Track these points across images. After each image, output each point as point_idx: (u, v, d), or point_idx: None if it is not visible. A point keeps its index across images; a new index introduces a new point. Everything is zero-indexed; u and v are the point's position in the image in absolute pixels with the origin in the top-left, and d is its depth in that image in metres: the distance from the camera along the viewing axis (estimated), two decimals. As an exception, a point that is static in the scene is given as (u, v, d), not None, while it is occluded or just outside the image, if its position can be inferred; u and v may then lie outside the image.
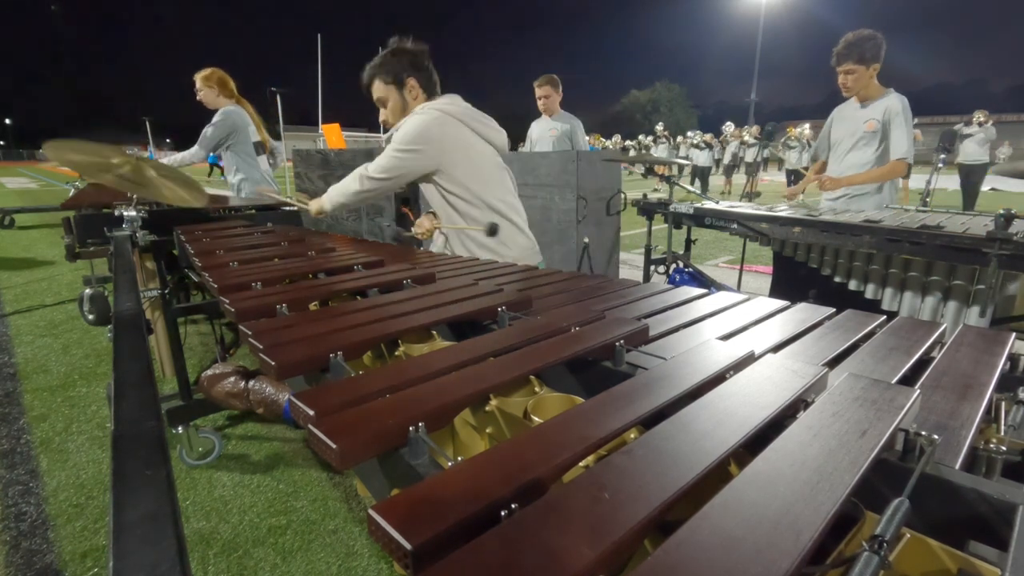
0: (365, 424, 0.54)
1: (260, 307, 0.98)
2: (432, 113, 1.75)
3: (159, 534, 0.39)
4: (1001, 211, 1.77)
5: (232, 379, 2.07)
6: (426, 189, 1.87)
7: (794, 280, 2.77)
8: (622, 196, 3.50)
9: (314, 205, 1.97)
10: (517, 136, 4.33)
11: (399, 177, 1.78)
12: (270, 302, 0.99)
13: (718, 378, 0.64)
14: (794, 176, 11.75)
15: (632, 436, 0.56)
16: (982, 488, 0.46)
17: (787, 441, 0.48)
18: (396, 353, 0.88)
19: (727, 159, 14.49)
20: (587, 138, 4.24)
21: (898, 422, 0.51)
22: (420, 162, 1.76)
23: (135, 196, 2.01)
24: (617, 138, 24.18)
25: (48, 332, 3.55)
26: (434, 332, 0.94)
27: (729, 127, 14.66)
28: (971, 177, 9.10)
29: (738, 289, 3.17)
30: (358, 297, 1.14)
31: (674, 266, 3.29)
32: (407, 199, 4.28)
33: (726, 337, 0.88)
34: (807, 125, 11.94)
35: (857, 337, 0.88)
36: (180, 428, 2.07)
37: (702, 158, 13.89)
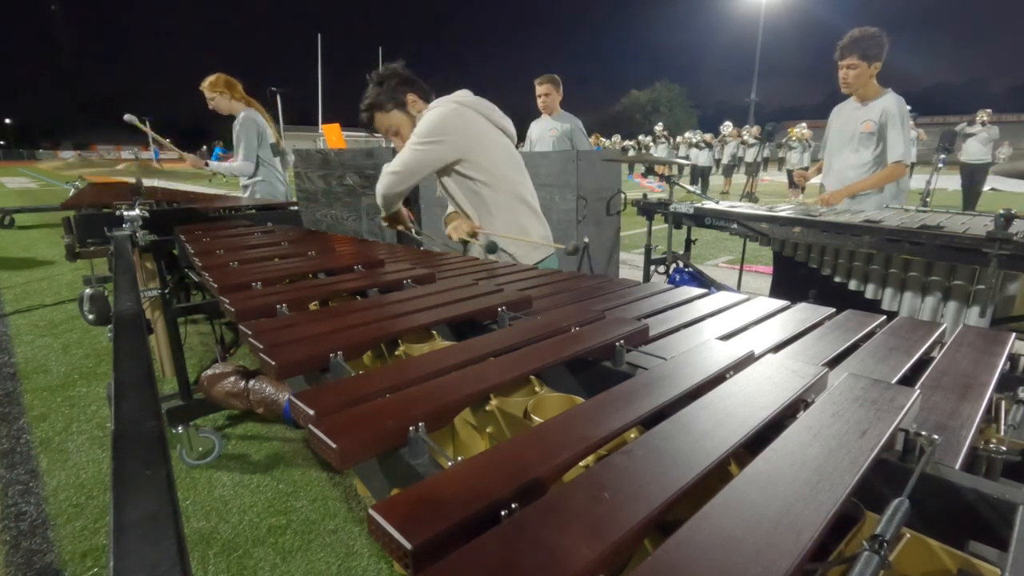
0: (365, 424, 0.54)
1: (260, 307, 0.99)
2: (449, 105, 1.75)
3: (159, 534, 0.39)
4: (1001, 211, 1.77)
5: (232, 379, 2.07)
6: (448, 183, 1.86)
7: (794, 280, 2.77)
8: (622, 196, 3.50)
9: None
10: (517, 136, 4.33)
11: (420, 170, 1.78)
12: (270, 302, 0.99)
13: (718, 378, 0.64)
14: (794, 176, 11.74)
15: (632, 436, 0.56)
16: (982, 488, 0.46)
17: (787, 441, 0.48)
18: (396, 353, 0.88)
19: (726, 159, 14.49)
20: (589, 139, 4.24)
21: (898, 422, 0.51)
22: (443, 153, 1.75)
23: (135, 197, 2.01)
24: (617, 138, 24.18)
25: (48, 332, 3.55)
26: (434, 332, 0.94)
27: (727, 127, 14.66)
28: (974, 176, 9.09)
29: (738, 289, 3.17)
30: (358, 297, 1.14)
31: (674, 266, 3.29)
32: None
33: (726, 337, 0.88)
34: (804, 124, 11.94)
35: (857, 337, 0.88)
36: (180, 428, 2.07)
37: (702, 158, 13.90)
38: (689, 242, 3.35)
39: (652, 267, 3.30)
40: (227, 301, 1.00)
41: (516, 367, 0.69)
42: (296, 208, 3.46)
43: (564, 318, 0.88)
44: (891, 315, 1.00)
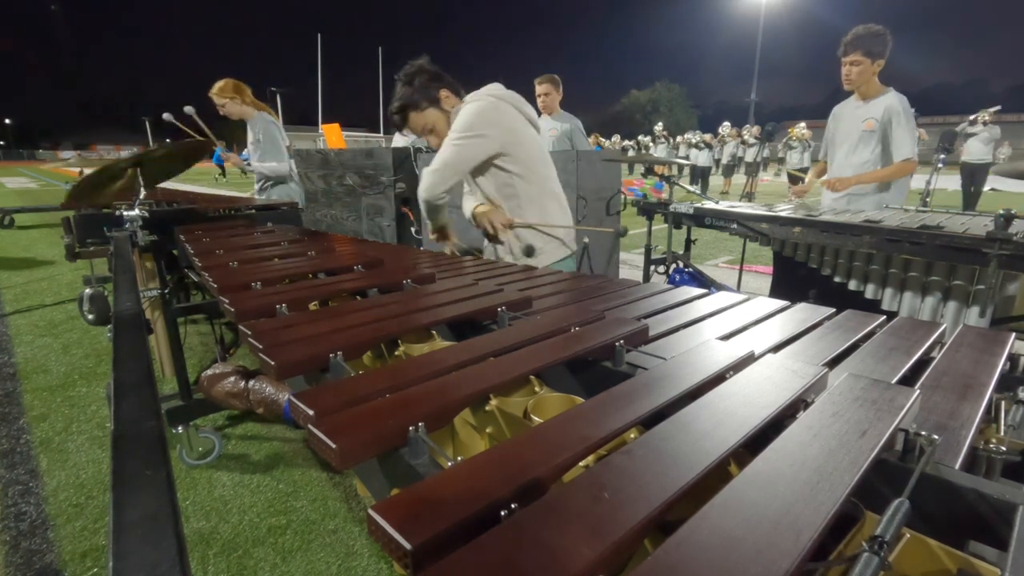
0: (365, 424, 0.54)
1: (260, 307, 0.99)
2: (486, 99, 1.74)
3: (159, 534, 0.39)
4: (1001, 211, 1.77)
5: (232, 379, 2.07)
6: (481, 178, 1.84)
7: (794, 280, 2.77)
8: (622, 196, 3.50)
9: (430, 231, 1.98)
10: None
11: (462, 166, 1.75)
12: (270, 302, 0.99)
13: (718, 378, 0.64)
14: (795, 176, 11.73)
15: (632, 436, 0.56)
16: (982, 488, 0.46)
17: (787, 441, 0.48)
18: (396, 353, 0.88)
19: (725, 159, 14.50)
20: (588, 139, 4.24)
21: (898, 422, 0.51)
22: (485, 147, 1.73)
23: (135, 197, 2.01)
24: (616, 138, 24.18)
25: (48, 332, 3.55)
26: (434, 332, 0.94)
27: (726, 127, 14.66)
28: (975, 176, 9.08)
29: (738, 289, 3.17)
30: (358, 297, 1.14)
31: (674, 266, 3.29)
32: (407, 199, 4.28)
33: (726, 337, 0.88)
34: (803, 124, 11.93)
35: (857, 337, 0.88)
36: (180, 428, 2.07)
37: (702, 158, 13.90)
38: (689, 242, 3.35)
39: (652, 267, 3.30)
40: (227, 301, 1.00)
41: (516, 367, 0.69)
42: (299, 208, 3.46)
43: (564, 318, 0.88)
44: (891, 315, 1.00)
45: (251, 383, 2.07)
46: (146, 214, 2.01)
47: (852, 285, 2.25)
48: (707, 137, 15.07)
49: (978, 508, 0.45)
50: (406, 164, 4.21)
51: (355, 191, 4.58)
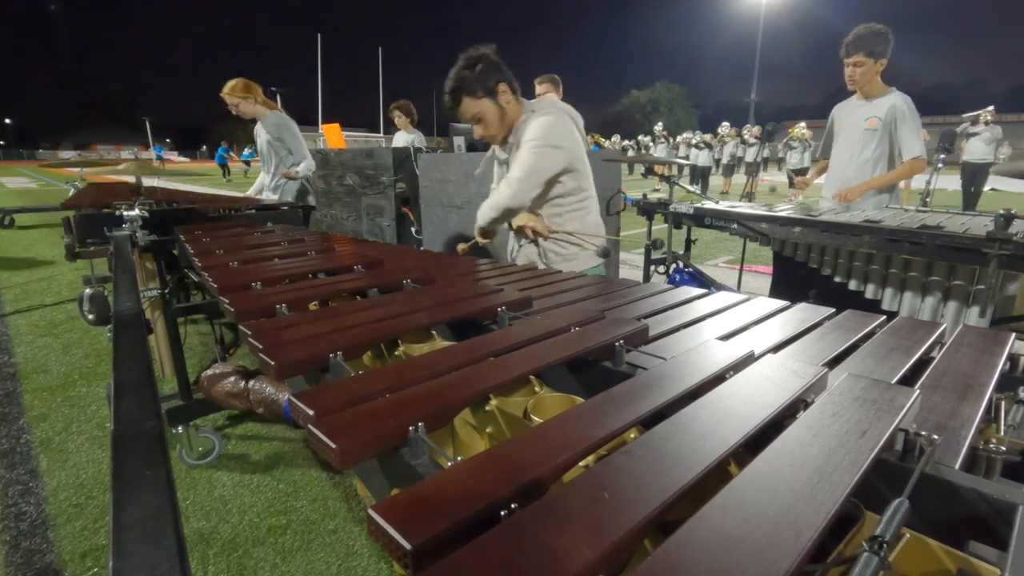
0: (365, 424, 0.54)
1: (260, 307, 0.99)
2: (559, 113, 1.74)
3: (159, 534, 0.39)
4: (1001, 211, 1.77)
5: (232, 379, 2.07)
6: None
7: (794, 280, 2.77)
8: (622, 196, 3.50)
9: (476, 232, 1.91)
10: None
11: (544, 174, 1.73)
12: (270, 302, 0.99)
13: (718, 378, 0.64)
14: (798, 174, 11.75)
15: (632, 436, 0.56)
16: (982, 488, 0.46)
17: (787, 441, 0.48)
18: (396, 353, 0.88)
19: (725, 159, 14.49)
20: (587, 138, 4.24)
21: (898, 422, 0.51)
22: (559, 160, 1.73)
23: (135, 197, 2.01)
24: (616, 138, 24.17)
25: (48, 332, 3.55)
26: (434, 332, 0.94)
27: (725, 127, 14.66)
28: (976, 176, 9.08)
29: (738, 289, 3.17)
30: (358, 297, 1.14)
31: (674, 266, 3.29)
32: (407, 199, 4.28)
33: (726, 337, 0.88)
34: (803, 124, 11.94)
35: (857, 337, 0.88)
36: (180, 428, 2.07)
37: (702, 158, 13.90)
38: (689, 242, 3.35)
39: (652, 267, 3.30)
40: (227, 301, 1.00)
41: (516, 367, 0.69)
42: (312, 207, 3.47)
43: (564, 318, 0.88)
44: (891, 315, 1.00)
45: (251, 383, 2.07)
46: (146, 214, 2.01)
47: (852, 285, 2.25)
48: (707, 137, 15.07)
49: (978, 508, 0.45)
50: (406, 164, 4.21)
51: (355, 191, 4.58)
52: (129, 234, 1.87)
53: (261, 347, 0.76)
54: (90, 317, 1.82)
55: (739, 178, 14.80)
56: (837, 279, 2.31)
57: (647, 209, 3.23)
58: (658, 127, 16.14)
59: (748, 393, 0.58)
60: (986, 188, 10.02)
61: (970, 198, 9.13)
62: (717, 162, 15.30)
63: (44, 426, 2.36)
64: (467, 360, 0.72)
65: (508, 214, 1.78)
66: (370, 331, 0.84)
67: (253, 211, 2.56)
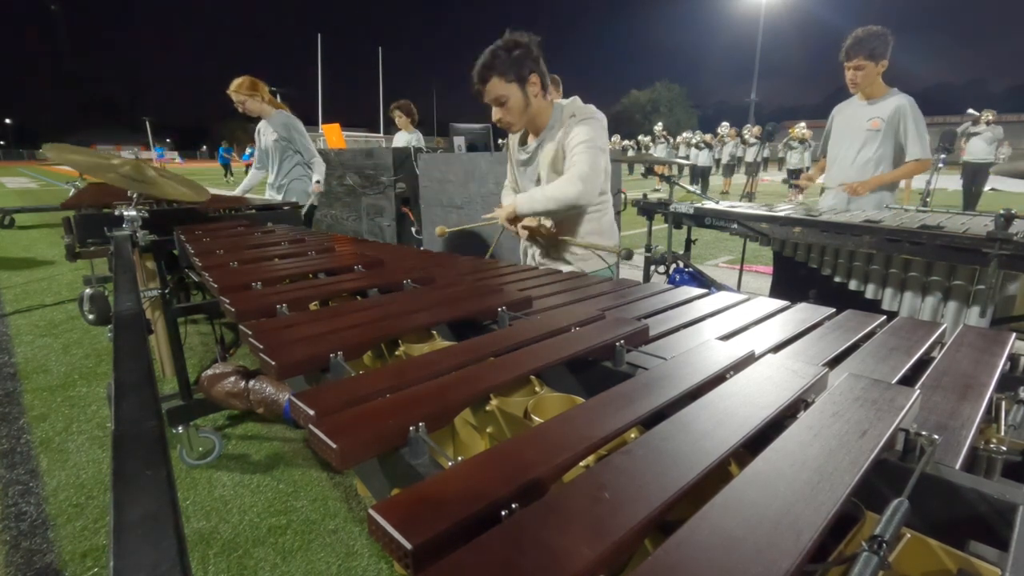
0: (365, 424, 0.54)
1: (260, 307, 0.99)
2: (600, 117, 1.75)
3: (159, 534, 0.39)
4: (1001, 211, 1.77)
5: (232, 379, 2.07)
6: None
7: (794, 280, 2.77)
8: (622, 196, 3.50)
9: (505, 210, 1.82)
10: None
11: (602, 175, 1.73)
12: (270, 302, 0.99)
13: (718, 378, 0.64)
14: (796, 176, 11.75)
15: (632, 436, 0.56)
16: (982, 488, 0.45)
17: (787, 441, 0.48)
18: (396, 353, 0.88)
19: (725, 159, 14.50)
20: None
21: (898, 422, 0.51)
22: (607, 164, 1.74)
23: (135, 196, 2.02)
24: (616, 138, 24.17)
25: (48, 332, 3.55)
26: (434, 332, 0.94)
27: (725, 127, 14.66)
28: (976, 176, 9.08)
29: (738, 289, 3.17)
30: (358, 297, 1.14)
31: (674, 266, 3.29)
32: (407, 199, 4.28)
33: (726, 337, 0.88)
34: (803, 124, 11.94)
35: (857, 337, 0.88)
36: (180, 428, 2.07)
37: (702, 158, 13.90)
38: (689, 242, 3.35)
39: (652, 267, 3.30)
40: (227, 301, 1.00)
41: (516, 367, 0.69)
42: (314, 207, 3.46)
43: (564, 318, 0.88)
44: (891, 315, 1.00)
45: (251, 383, 2.07)
46: (146, 214, 2.01)
47: (852, 285, 2.25)
48: (707, 137, 15.07)
49: (978, 508, 0.45)
50: (406, 164, 4.21)
51: (355, 191, 4.58)
52: (129, 234, 1.87)
53: (261, 347, 0.76)
54: (90, 317, 1.82)
55: (739, 178, 14.79)
56: (837, 279, 2.31)
57: (647, 209, 3.23)
58: (658, 127, 16.15)
59: (748, 393, 0.58)
60: (986, 188, 10.02)
61: (970, 198, 9.13)
62: (717, 162, 15.30)
63: (44, 426, 2.36)
64: (467, 360, 0.72)
65: (567, 210, 1.75)
66: (370, 331, 0.84)
67: (253, 211, 2.56)
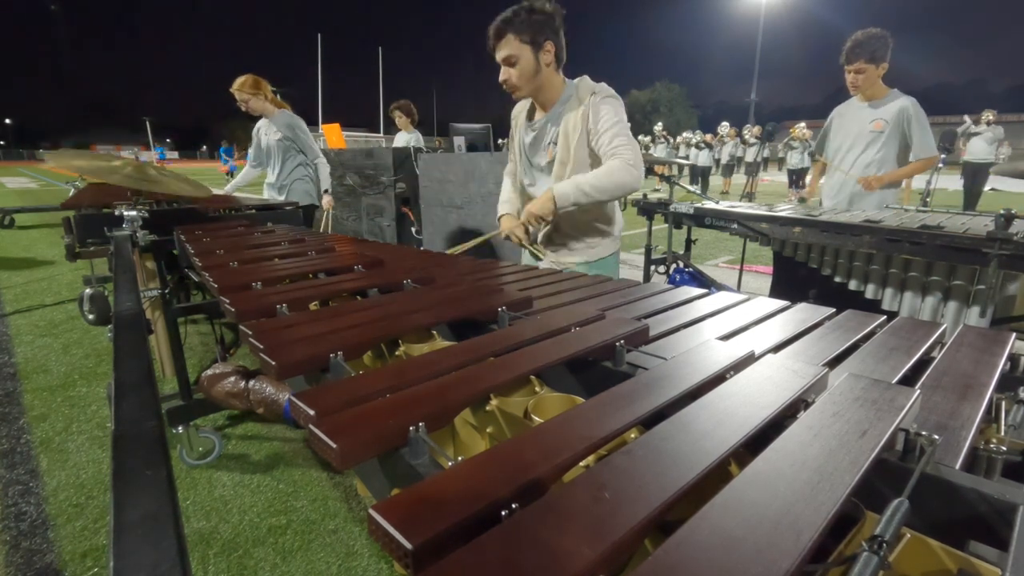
0: (365, 424, 0.54)
1: (260, 307, 0.99)
2: (617, 96, 1.71)
3: (159, 534, 0.39)
4: (1001, 211, 1.77)
5: (232, 379, 2.07)
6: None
7: (794, 280, 2.77)
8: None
9: (542, 205, 1.67)
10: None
11: None
12: (270, 302, 0.99)
13: (718, 378, 0.64)
14: (796, 176, 11.76)
15: (632, 436, 0.56)
16: (982, 488, 0.45)
17: (787, 441, 0.48)
18: (396, 353, 0.88)
19: (724, 159, 14.50)
20: None
21: (898, 422, 0.51)
22: None
23: (136, 196, 2.02)
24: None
25: (48, 332, 3.55)
26: (434, 332, 0.94)
27: (725, 127, 14.66)
28: (977, 176, 9.10)
29: (738, 289, 3.17)
30: (358, 297, 1.14)
31: (674, 266, 3.29)
32: (407, 199, 4.28)
33: (726, 337, 0.88)
34: (803, 124, 11.95)
35: (857, 337, 0.88)
36: (180, 428, 2.07)
37: (702, 158, 13.90)
38: (689, 242, 3.35)
39: (652, 267, 3.30)
40: (227, 301, 1.00)
41: (516, 367, 0.69)
42: (316, 207, 3.46)
43: (564, 318, 0.88)
44: (891, 315, 1.00)
45: (251, 383, 2.07)
46: (146, 214, 2.01)
47: (852, 285, 2.25)
48: (707, 137, 15.06)
49: (978, 508, 0.45)
50: (406, 164, 4.21)
51: (355, 191, 4.58)
52: (129, 234, 1.87)
53: (262, 347, 0.76)
54: (90, 317, 1.82)
55: (739, 178, 14.79)
56: (837, 279, 2.31)
57: (647, 209, 3.23)
58: (658, 127, 16.14)
59: (748, 393, 0.58)
60: (986, 188, 10.03)
61: (971, 198, 9.14)
62: (717, 162, 15.30)
63: (44, 426, 2.36)
64: (467, 360, 0.72)
65: (622, 196, 1.71)
66: (370, 331, 0.84)
67: (253, 211, 2.56)
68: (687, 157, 13.83)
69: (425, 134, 5.87)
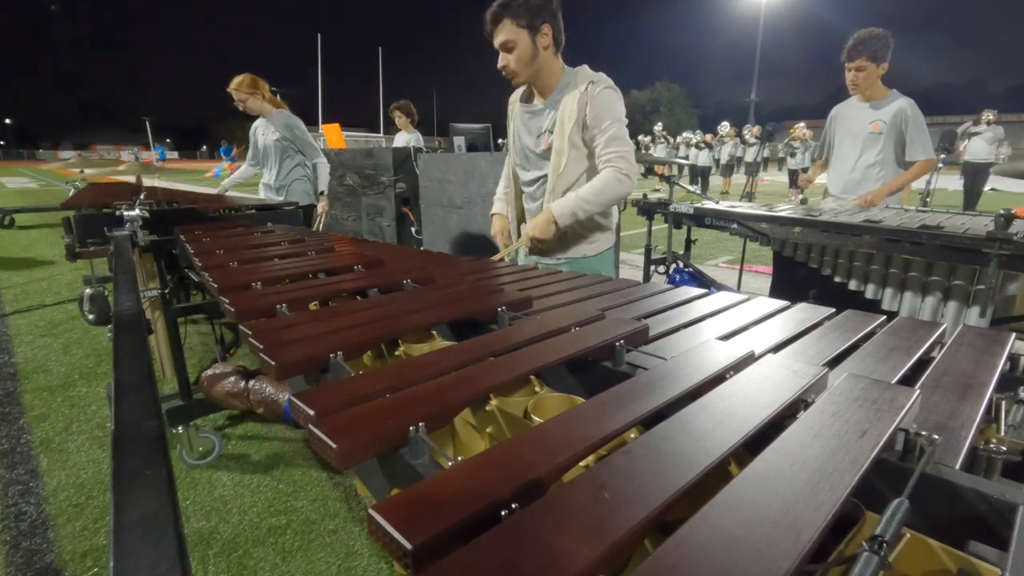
0: (365, 424, 0.54)
1: (260, 307, 0.99)
2: (615, 86, 1.69)
3: (159, 534, 0.39)
4: (1001, 211, 1.77)
5: (232, 379, 2.07)
6: (572, 164, 1.74)
7: (794, 280, 2.77)
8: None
9: (542, 226, 1.69)
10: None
11: None
12: (270, 302, 0.99)
13: (718, 378, 0.64)
14: (796, 176, 11.76)
15: (632, 436, 0.56)
16: (982, 488, 0.45)
17: (787, 441, 0.48)
18: (396, 353, 0.88)
19: (724, 159, 14.49)
20: None
21: (898, 422, 0.51)
22: None
23: (135, 196, 2.02)
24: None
25: (48, 332, 3.55)
26: (434, 332, 0.94)
27: (725, 127, 14.66)
28: (977, 176, 9.09)
29: (738, 289, 3.17)
30: (358, 297, 1.14)
31: (674, 266, 3.29)
32: (407, 199, 4.29)
33: (726, 337, 0.88)
34: (802, 124, 11.95)
35: (857, 337, 0.88)
36: (180, 428, 2.07)
37: (702, 158, 13.90)
38: (689, 242, 3.35)
39: (652, 267, 3.30)
40: (227, 301, 1.00)
41: (516, 367, 0.69)
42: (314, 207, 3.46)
43: (564, 318, 0.88)
44: (891, 315, 1.00)
45: (251, 383, 2.07)
46: (146, 214, 2.01)
47: (852, 285, 2.25)
48: (707, 137, 15.06)
49: (978, 508, 0.45)
50: (406, 164, 4.21)
51: (355, 191, 4.58)
52: (129, 234, 1.87)
53: (261, 347, 0.76)
54: (90, 317, 1.82)
55: (739, 178, 14.79)
56: (837, 279, 2.31)
57: (647, 209, 3.23)
58: (658, 127, 16.14)
59: (748, 393, 0.58)
60: (986, 188, 10.03)
61: (971, 198, 9.14)
62: (717, 162, 15.30)
63: (44, 426, 2.36)
64: (467, 360, 0.72)
65: (615, 200, 1.72)
66: (370, 331, 0.84)
67: (253, 211, 2.56)
68: (687, 157, 13.82)
69: (425, 134, 5.87)
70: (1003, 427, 0.63)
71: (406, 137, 5.13)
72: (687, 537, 0.36)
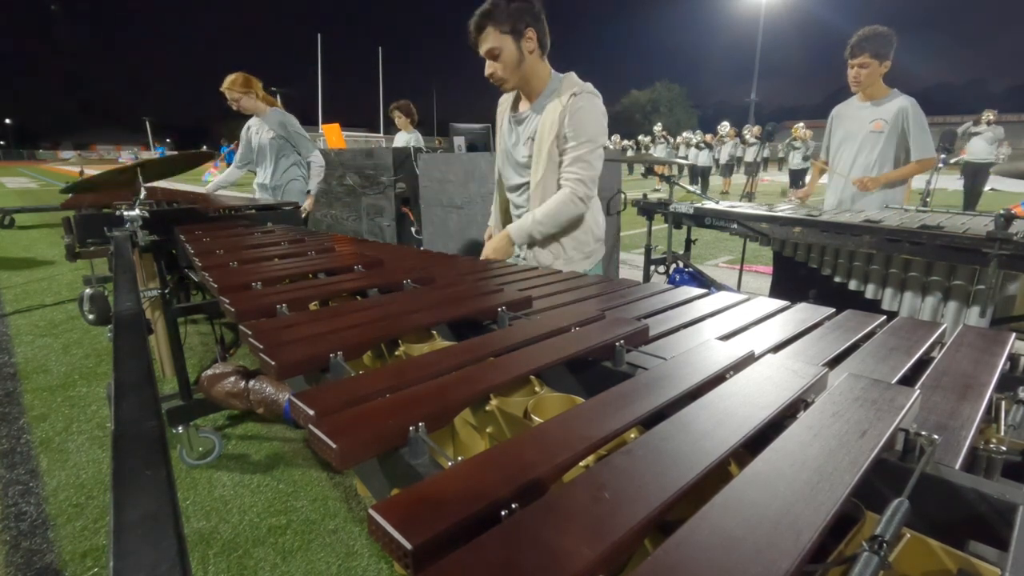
0: (365, 424, 0.54)
1: (260, 307, 0.99)
2: (599, 97, 1.68)
3: (159, 534, 0.39)
4: (1001, 211, 1.77)
5: (232, 379, 2.07)
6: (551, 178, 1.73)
7: (794, 280, 2.77)
8: (622, 196, 3.50)
9: (501, 249, 1.74)
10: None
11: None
12: (270, 302, 0.99)
13: (718, 378, 0.64)
14: (797, 176, 11.76)
15: (632, 436, 0.56)
16: (982, 488, 0.45)
17: (787, 441, 0.48)
18: (396, 353, 0.88)
19: (724, 159, 14.49)
20: None
21: (898, 422, 0.51)
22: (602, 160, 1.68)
23: (135, 196, 2.02)
24: (616, 138, 24.14)
25: (48, 332, 3.55)
26: (434, 332, 0.94)
27: (725, 127, 14.66)
28: (977, 176, 9.09)
29: (738, 289, 3.17)
30: (358, 297, 1.14)
31: (674, 266, 3.29)
32: (407, 199, 4.29)
33: (726, 337, 0.88)
34: (801, 124, 11.95)
35: (857, 337, 0.88)
36: (180, 428, 2.07)
37: (702, 158, 13.90)
38: (689, 242, 3.35)
39: (652, 267, 3.30)
40: (227, 301, 1.00)
41: (516, 367, 0.69)
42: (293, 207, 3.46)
43: (564, 318, 0.88)
44: (891, 315, 1.00)
45: (251, 383, 2.07)
46: (146, 214, 2.01)
47: (852, 285, 2.25)
48: (707, 137, 15.06)
49: (978, 508, 0.45)
50: (406, 164, 4.21)
51: (355, 191, 4.58)
52: (129, 234, 1.87)
53: (261, 347, 0.76)
54: (90, 317, 1.82)
55: (739, 178, 14.79)
56: (837, 279, 2.31)
57: (647, 209, 3.23)
58: (658, 127, 16.14)
59: (748, 393, 0.58)
60: (986, 188, 10.03)
61: (971, 198, 9.14)
62: (716, 162, 15.30)
63: (44, 426, 2.36)
64: (467, 360, 0.72)
65: (563, 226, 1.72)
66: (370, 331, 0.84)
67: (253, 211, 2.56)
68: (687, 157, 13.83)
69: (425, 134, 5.87)
70: (1003, 427, 0.63)
71: (406, 137, 5.13)
72: (687, 537, 0.36)
